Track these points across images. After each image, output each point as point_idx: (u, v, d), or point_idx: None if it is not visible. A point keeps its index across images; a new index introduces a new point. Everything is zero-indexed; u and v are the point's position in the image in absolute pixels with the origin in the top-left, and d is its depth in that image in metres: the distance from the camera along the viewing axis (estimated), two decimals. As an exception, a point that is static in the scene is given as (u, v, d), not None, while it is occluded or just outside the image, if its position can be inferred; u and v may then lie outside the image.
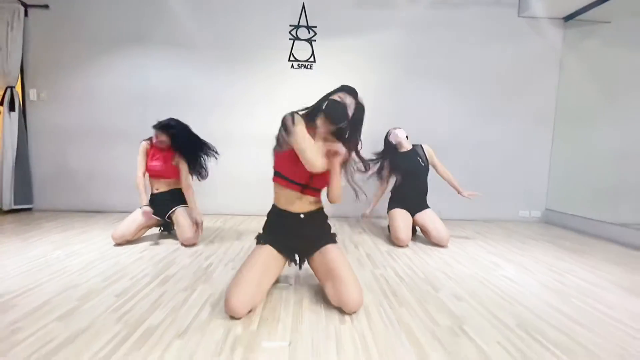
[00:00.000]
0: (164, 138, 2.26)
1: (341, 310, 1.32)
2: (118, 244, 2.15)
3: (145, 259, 1.91)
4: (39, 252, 1.99)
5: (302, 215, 1.44)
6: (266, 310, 1.32)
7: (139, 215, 2.23)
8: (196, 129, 2.53)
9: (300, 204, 1.43)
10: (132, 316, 1.24)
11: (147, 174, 2.34)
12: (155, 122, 2.27)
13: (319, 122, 1.40)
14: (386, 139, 2.63)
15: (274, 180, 1.46)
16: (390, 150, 2.59)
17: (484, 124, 3.32)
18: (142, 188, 2.24)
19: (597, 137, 3.20)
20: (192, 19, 3.17)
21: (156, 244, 2.24)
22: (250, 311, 1.28)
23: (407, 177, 2.51)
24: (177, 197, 2.33)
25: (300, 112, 1.40)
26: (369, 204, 2.61)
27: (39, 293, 1.42)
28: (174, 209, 2.30)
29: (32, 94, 3.19)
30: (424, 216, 2.44)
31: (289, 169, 1.39)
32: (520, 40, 3.28)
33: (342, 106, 1.36)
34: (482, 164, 3.36)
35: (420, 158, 2.51)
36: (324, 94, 1.45)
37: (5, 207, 3.14)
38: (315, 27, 3.18)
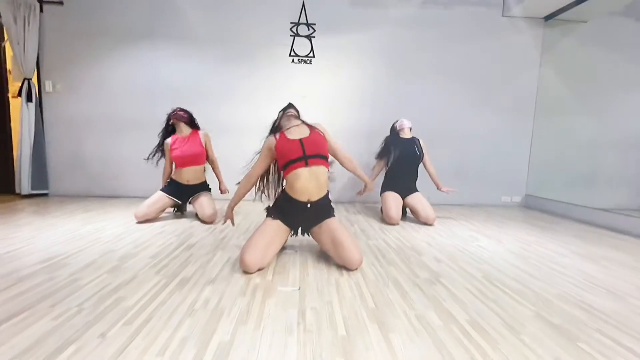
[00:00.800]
0: (181, 112, 2.61)
1: (341, 268, 1.59)
2: (140, 222, 2.40)
3: (167, 232, 2.17)
4: (71, 227, 2.23)
5: (308, 205, 1.66)
6: (278, 267, 1.60)
7: (159, 196, 2.49)
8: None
9: (311, 188, 1.64)
10: (169, 270, 1.50)
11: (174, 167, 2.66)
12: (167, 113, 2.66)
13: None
14: (393, 126, 2.94)
15: (284, 175, 1.70)
16: (393, 134, 2.90)
17: (469, 116, 3.60)
18: (166, 177, 2.66)
19: (573, 129, 3.50)
20: (199, 15, 3.38)
21: (176, 217, 2.49)
22: (260, 269, 1.54)
23: (401, 161, 2.77)
24: (200, 186, 2.66)
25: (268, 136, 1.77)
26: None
27: (83, 256, 1.67)
28: (197, 193, 2.63)
29: (47, 85, 3.39)
30: (414, 198, 2.73)
31: (285, 156, 1.64)
32: (504, 38, 3.54)
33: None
34: (468, 153, 3.64)
35: (417, 147, 2.79)
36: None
37: (24, 192, 3.36)
38: (315, 24, 3.41)
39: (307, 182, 1.63)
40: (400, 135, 2.84)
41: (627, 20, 3.34)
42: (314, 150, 1.64)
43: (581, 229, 2.69)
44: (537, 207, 3.58)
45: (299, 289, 1.36)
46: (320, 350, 0.95)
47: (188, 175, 2.59)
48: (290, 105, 1.86)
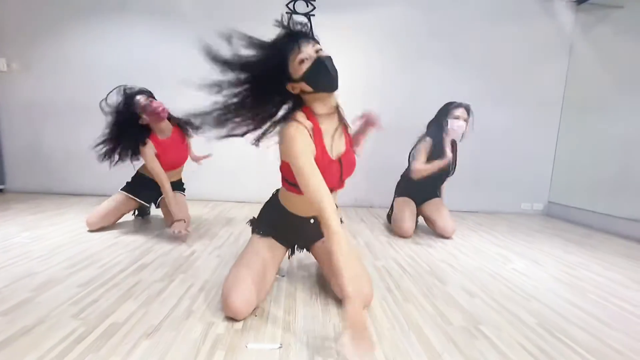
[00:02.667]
0: (157, 101, 1.87)
1: (340, 303, 1.15)
2: (92, 231, 1.94)
3: (120, 245, 1.71)
4: (5, 233, 1.78)
5: (312, 221, 1.24)
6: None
7: (120, 199, 2.02)
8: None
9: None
10: (96, 309, 1.05)
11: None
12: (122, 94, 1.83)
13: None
14: (442, 115, 2.16)
15: (289, 190, 1.18)
16: (437, 125, 2.17)
17: (489, 108, 3.14)
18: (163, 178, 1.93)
19: (605, 127, 3.07)
20: (179, -14, 2.91)
21: (142, 222, 2.04)
22: (254, 309, 1.09)
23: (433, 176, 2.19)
24: (174, 185, 2.09)
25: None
26: None
27: (-10, 281, 1.22)
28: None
29: (1, 64, 2.91)
30: (431, 205, 2.28)
31: None
32: (530, 23, 3.09)
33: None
34: (485, 152, 3.21)
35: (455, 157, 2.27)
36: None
37: (-27, 188, 2.89)
38: (315, 0, 2.95)
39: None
40: (451, 127, 2.08)
41: (670, 6, 2.92)
42: (347, 175, 1.18)
43: (621, 245, 2.27)
44: (561, 217, 3.16)
45: (281, 346, 0.92)
46: None
47: (169, 176, 2.08)
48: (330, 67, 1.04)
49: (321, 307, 1.15)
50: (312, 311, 1.12)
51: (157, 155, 1.91)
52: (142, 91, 1.89)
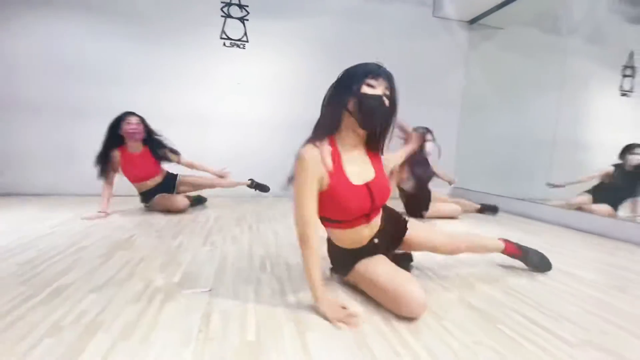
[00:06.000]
0: (136, 119, 2.27)
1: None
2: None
3: (58, 233, 1.78)
4: None
5: (376, 240, 1.17)
6: (192, 265, 1.37)
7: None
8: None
9: (372, 230, 1.16)
10: (42, 278, 1.19)
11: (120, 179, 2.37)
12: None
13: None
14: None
15: (327, 226, 1.17)
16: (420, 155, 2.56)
17: (403, 110, 3.67)
18: (107, 194, 2.25)
19: (494, 125, 3.80)
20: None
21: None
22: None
23: (420, 187, 2.61)
24: (166, 185, 2.47)
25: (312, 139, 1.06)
26: None
27: None
28: (158, 195, 2.42)
29: None
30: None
31: (342, 209, 1.07)
32: (435, 37, 3.70)
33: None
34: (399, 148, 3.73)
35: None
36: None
37: None
38: (247, 6, 3.18)
39: (364, 233, 1.15)
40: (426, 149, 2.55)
41: (535, 30, 3.72)
42: (380, 200, 1.12)
43: (502, 217, 2.89)
44: (465, 199, 3.80)
45: (210, 290, 1.16)
46: (219, 361, 0.78)
47: (149, 184, 2.42)
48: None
49: (248, 263, 1.42)
50: (239, 267, 1.38)
51: (125, 167, 2.31)
52: (130, 113, 2.30)
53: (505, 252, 1.45)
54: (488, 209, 2.94)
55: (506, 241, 1.47)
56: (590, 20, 3.19)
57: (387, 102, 1.04)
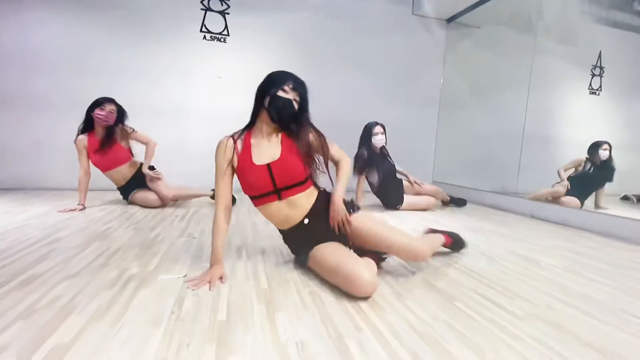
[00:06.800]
0: (112, 107, 2.24)
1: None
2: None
3: (32, 226, 1.77)
4: None
5: (306, 221, 1.25)
6: (169, 253, 1.40)
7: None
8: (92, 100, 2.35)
9: (295, 210, 1.24)
10: (15, 267, 1.19)
11: (93, 170, 2.31)
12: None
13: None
14: (367, 134, 2.71)
15: (254, 205, 1.30)
16: (366, 142, 2.70)
17: (381, 107, 3.74)
18: (83, 187, 2.21)
19: (469, 122, 3.93)
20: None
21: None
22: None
23: (386, 179, 2.72)
24: (140, 181, 2.38)
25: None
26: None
27: None
28: (135, 190, 2.39)
29: None
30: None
31: (249, 185, 1.24)
32: (413, 35, 3.79)
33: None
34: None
35: (389, 157, 2.82)
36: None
37: None
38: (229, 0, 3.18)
39: (286, 212, 1.25)
40: (374, 142, 2.68)
41: (509, 30, 3.86)
42: (281, 178, 1.21)
43: (474, 209, 3.02)
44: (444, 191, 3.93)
45: (185, 275, 1.19)
46: (189, 338, 0.82)
47: (118, 176, 2.36)
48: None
49: (225, 251, 1.45)
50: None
51: (91, 151, 2.24)
52: (109, 100, 2.27)
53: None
54: (454, 202, 3.07)
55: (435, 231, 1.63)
56: (561, 21, 3.34)
57: (296, 106, 1.24)
